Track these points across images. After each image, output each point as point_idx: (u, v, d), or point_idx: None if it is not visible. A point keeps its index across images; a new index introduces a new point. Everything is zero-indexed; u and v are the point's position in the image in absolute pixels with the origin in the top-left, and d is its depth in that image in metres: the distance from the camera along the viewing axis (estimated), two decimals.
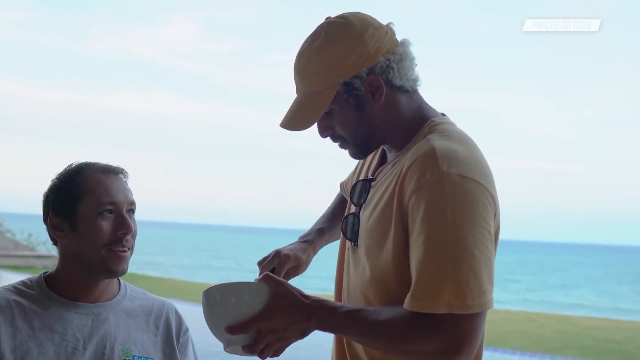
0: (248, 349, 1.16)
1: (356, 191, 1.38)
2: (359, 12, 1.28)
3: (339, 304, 1.23)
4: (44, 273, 1.45)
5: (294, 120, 1.27)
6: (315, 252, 1.56)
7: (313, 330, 1.17)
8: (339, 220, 1.47)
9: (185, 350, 1.53)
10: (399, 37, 1.29)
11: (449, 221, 1.12)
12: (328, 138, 1.31)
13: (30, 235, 23.61)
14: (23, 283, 1.43)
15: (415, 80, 1.28)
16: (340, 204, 1.63)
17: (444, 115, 1.34)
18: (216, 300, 1.16)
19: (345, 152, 1.33)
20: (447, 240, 1.11)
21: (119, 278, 1.50)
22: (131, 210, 1.44)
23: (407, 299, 1.14)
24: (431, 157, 1.16)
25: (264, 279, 1.19)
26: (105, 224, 1.38)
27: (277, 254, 1.45)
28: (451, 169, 1.14)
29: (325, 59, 1.24)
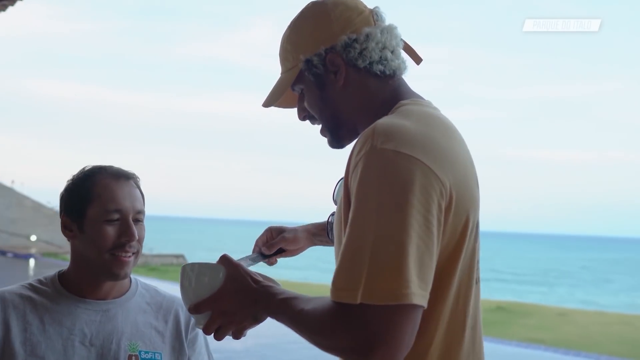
0: (204, 330, 1.15)
1: (336, 189, 1.33)
2: None
3: (282, 290, 1.13)
4: (59, 271, 1.50)
5: (267, 98, 1.28)
6: (309, 228, 1.58)
7: (264, 315, 1.13)
8: None
9: (194, 345, 1.55)
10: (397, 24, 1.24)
11: (373, 202, 1.00)
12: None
13: None
14: (39, 280, 1.49)
15: (388, 64, 1.20)
16: None
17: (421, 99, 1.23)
18: (181, 279, 1.20)
19: None
20: (370, 222, 1.00)
21: (131, 275, 1.54)
22: (137, 219, 1.46)
23: (330, 288, 1.03)
24: (369, 133, 1.06)
25: (220, 260, 1.16)
26: (111, 230, 1.41)
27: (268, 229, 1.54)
28: (386, 144, 1.03)
29: (293, 36, 1.25)
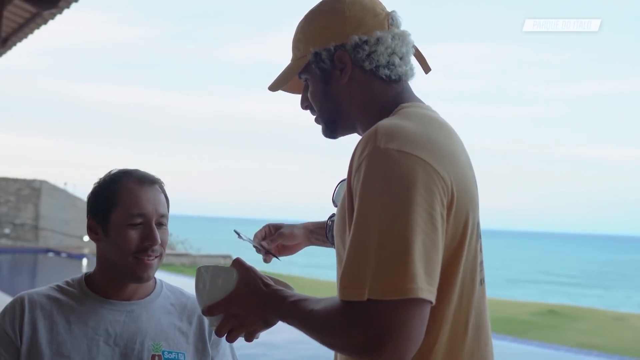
0: (217, 332, 1.17)
1: (336, 190, 1.34)
2: None
3: (292, 293, 1.14)
4: (85, 273, 1.53)
5: (273, 82, 1.31)
6: (307, 225, 1.61)
7: (274, 319, 1.14)
8: None
9: (217, 346, 1.55)
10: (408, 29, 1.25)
11: (378, 200, 1.02)
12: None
13: (170, 234, 24.96)
14: (66, 282, 1.52)
15: (394, 70, 1.22)
16: None
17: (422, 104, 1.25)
18: (196, 281, 1.22)
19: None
20: (375, 220, 1.01)
21: (156, 277, 1.57)
22: (160, 223, 1.47)
23: (337, 287, 1.06)
24: (371, 134, 1.08)
25: (233, 264, 1.18)
26: (134, 234, 1.43)
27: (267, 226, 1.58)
28: (389, 144, 1.05)
29: (307, 27, 1.27)
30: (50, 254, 20.22)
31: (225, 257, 22.21)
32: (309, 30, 1.27)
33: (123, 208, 1.44)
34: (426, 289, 0.98)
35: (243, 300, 1.14)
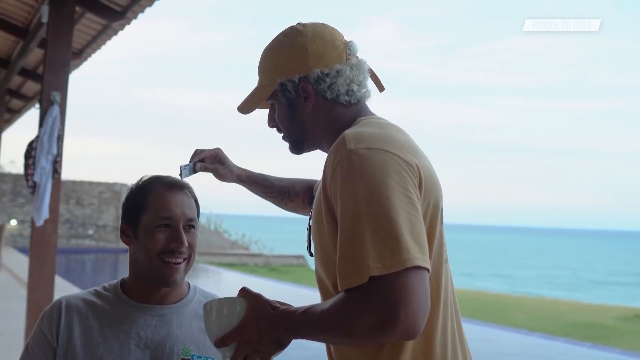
0: None
1: (313, 202, 1.40)
2: (322, 25, 1.38)
3: (299, 307, 1.19)
4: (122, 278, 1.58)
5: (241, 105, 1.43)
6: (243, 171, 1.76)
7: (288, 339, 1.19)
8: (278, 184, 1.77)
9: None
10: (365, 58, 1.38)
11: (359, 191, 1.12)
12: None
13: (244, 235, 25.48)
14: (103, 287, 1.58)
15: (353, 95, 1.35)
16: (300, 182, 1.78)
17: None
18: (204, 316, 1.25)
19: None
20: (360, 209, 1.11)
21: (189, 282, 1.61)
22: (190, 225, 1.50)
23: (338, 280, 1.11)
24: (340, 142, 1.20)
25: (241, 292, 1.24)
26: (161, 236, 1.47)
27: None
28: (358, 144, 1.17)
29: (272, 58, 1.39)
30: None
31: (297, 257, 22.37)
32: (275, 61, 1.37)
33: (152, 212, 1.48)
34: (420, 257, 1.07)
35: (254, 325, 1.18)
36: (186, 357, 1.47)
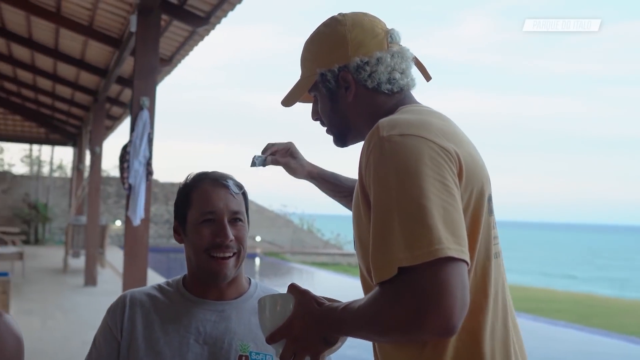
0: (281, 358, 1.19)
1: None
2: (362, 14, 1.36)
3: (342, 302, 1.16)
4: (185, 274, 1.60)
5: (284, 98, 1.42)
6: (315, 167, 1.72)
7: (335, 336, 1.17)
8: (349, 184, 1.69)
9: None
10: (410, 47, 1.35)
11: (390, 179, 1.08)
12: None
13: (338, 234, 25.57)
14: (167, 282, 1.60)
15: (396, 83, 1.31)
16: None
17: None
18: (258, 312, 1.26)
19: None
20: (391, 197, 1.06)
21: (250, 277, 1.62)
22: (235, 219, 1.51)
23: (372, 274, 1.07)
24: (374, 130, 1.16)
25: (289, 289, 1.23)
26: (206, 231, 1.49)
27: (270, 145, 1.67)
28: (391, 131, 1.13)
29: (312, 48, 1.38)
30: None
31: None
32: (315, 51, 1.36)
33: (196, 208, 1.50)
34: (454, 248, 1.00)
35: (300, 322, 1.17)
36: (244, 354, 1.47)
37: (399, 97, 1.32)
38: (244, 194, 1.57)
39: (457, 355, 1.12)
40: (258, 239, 21.77)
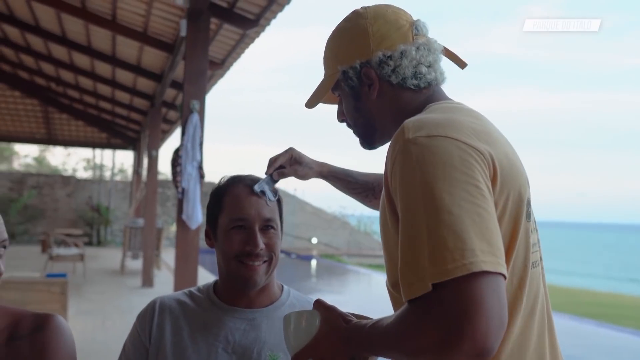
0: None
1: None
2: (385, 5, 1.28)
3: (371, 320, 1.08)
4: (216, 280, 1.55)
5: (309, 99, 1.35)
6: (323, 166, 1.64)
7: (360, 354, 1.08)
8: (363, 180, 1.63)
9: None
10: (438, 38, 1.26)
11: (418, 185, 0.98)
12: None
13: None
14: (197, 288, 1.56)
15: (423, 78, 1.22)
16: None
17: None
18: (284, 330, 1.20)
19: None
20: (419, 206, 0.97)
21: (283, 284, 1.56)
22: (267, 226, 1.45)
23: (401, 290, 0.97)
24: (399, 132, 1.07)
25: (315, 305, 1.16)
26: (236, 238, 1.43)
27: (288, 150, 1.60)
28: (417, 133, 1.04)
29: (333, 45, 1.30)
30: (282, 255, 21.54)
31: None
32: (335, 48, 1.29)
33: (227, 213, 1.45)
34: (489, 260, 0.91)
35: (326, 340, 1.10)
36: None
37: (427, 94, 1.23)
38: (279, 200, 1.51)
39: None
40: (314, 241, 21.80)
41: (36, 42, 10.42)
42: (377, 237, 24.75)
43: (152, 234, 10.49)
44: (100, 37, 8.92)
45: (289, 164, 1.61)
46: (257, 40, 6.92)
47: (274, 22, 6.07)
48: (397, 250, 1.03)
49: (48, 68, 12.20)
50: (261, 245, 1.42)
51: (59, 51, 10.49)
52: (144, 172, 12.68)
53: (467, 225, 0.93)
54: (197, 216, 5.21)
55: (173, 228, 18.63)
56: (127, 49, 8.98)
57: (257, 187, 1.48)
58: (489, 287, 0.89)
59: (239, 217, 1.44)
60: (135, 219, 12.34)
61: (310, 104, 1.35)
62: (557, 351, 1.14)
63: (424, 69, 1.22)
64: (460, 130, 1.05)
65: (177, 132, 13.96)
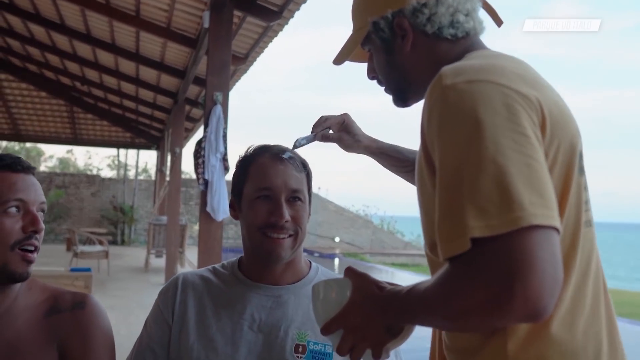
0: (338, 351, 1.04)
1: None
2: None
3: (407, 285, 0.98)
4: (241, 256, 1.48)
5: (337, 55, 1.27)
6: (372, 141, 1.57)
7: (400, 324, 1.01)
8: (414, 157, 1.50)
9: None
10: None
11: (459, 135, 0.90)
12: None
13: (419, 235, 25.19)
14: (222, 264, 1.49)
15: (460, 27, 1.13)
16: None
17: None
18: (312, 300, 1.13)
19: None
20: (459, 156, 0.88)
21: (311, 260, 1.49)
22: (294, 198, 1.39)
23: (439, 248, 0.89)
24: (436, 80, 0.98)
25: (346, 272, 1.09)
26: (261, 208, 1.37)
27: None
28: (456, 79, 0.95)
29: None
30: (305, 254, 21.44)
31: None
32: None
33: (253, 182, 1.39)
34: (541, 213, 0.83)
35: (359, 309, 1.03)
36: (301, 343, 1.34)
37: (464, 44, 1.14)
38: (308, 174, 1.44)
39: (527, 339, 0.94)
40: (337, 239, 21.71)
41: (61, 40, 10.50)
42: (401, 236, 24.62)
43: (176, 230, 10.50)
44: (124, 34, 8.95)
45: (337, 128, 1.54)
46: (278, 39, 6.88)
47: (296, 16, 6.02)
48: (434, 208, 0.95)
49: (73, 67, 12.30)
50: (287, 216, 1.35)
51: (84, 49, 10.56)
52: (167, 171, 12.71)
53: (514, 175, 0.84)
54: (224, 207, 5.16)
55: (196, 227, 18.70)
56: (151, 45, 8.99)
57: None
58: (541, 241, 0.81)
59: (264, 186, 1.37)
60: (159, 217, 12.38)
61: (338, 60, 1.27)
62: (612, 317, 1.05)
63: (461, 17, 1.13)
64: (503, 74, 0.96)
65: (201, 130, 13.99)
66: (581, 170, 1.02)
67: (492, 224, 0.82)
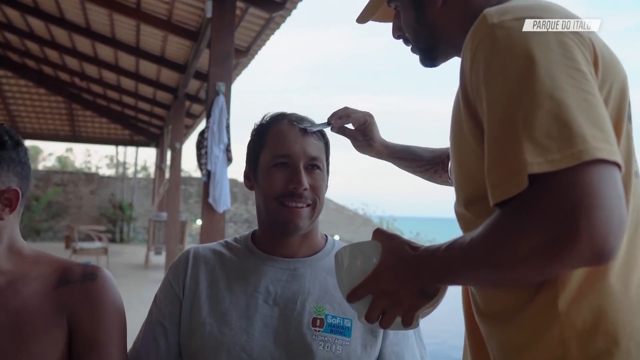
0: (367, 318, 0.98)
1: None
2: None
3: (444, 242, 0.91)
4: (254, 229, 1.44)
5: (361, 13, 1.23)
6: (385, 147, 1.52)
7: (435, 287, 0.95)
8: (429, 156, 1.50)
9: None
10: None
11: (511, 71, 0.83)
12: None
13: (418, 234, 25.23)
14: (235, 238, 1.45)
15: None
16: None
17: None
18: (335, 268, 1.05)
19: None
20: (512, 94, 0.82)
21: (327, 234, 1.45)
22: (313, 165, 1.34)
23: (489, 194, 0.82)
24: (479, 21, 0.91)
25: (374, 235, 1.03)
26: (278, 176, 1.32)
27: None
28: (503, 17, 0.89)
29: None
30: None
31: None
32: None
33: (269, 149, 1.35)
34: (604, 148, 0.77)
35: (391, 272, 0.97)
36: (319, 317, 1.29)
37: None
38: (327, 143, 1.40)
39: (580, 292, 0.87)
40: (336, 237, 21.62)
41: (61, 34, 10.42)
42: (417, 237, 24.65)
43: (176, 227, 10.43)
44: (125, 28, 8.87)
45: (357, 127, 1.49)
46: (280, 38, 6.81)
47: (297, 16, 5.95)
48: (475, 161, 0.90)
49: (72, 62, 12.22)
50: (305, 184, 1.31)
51: (83, 44, 10.48)
52: (167, 168, 12.65)
53: (572, 110, 0.79)
54: (225, 199, 5.09)
55: (196, 225, 18.63)
56: (151, 39, 8.93)
57: (307, 126, 1.36)
58: (605, 177, 0.75)
59: (282, 153, 1.32)
60: (159, 213, 12.32)
61: (362, 18, 1.22)
62: None
63: None
64: (554, 11, 0.91)
65: (200, 126, 13.92)
66: (630, 118, 0.96)
67: (553, 158, 0.76)
